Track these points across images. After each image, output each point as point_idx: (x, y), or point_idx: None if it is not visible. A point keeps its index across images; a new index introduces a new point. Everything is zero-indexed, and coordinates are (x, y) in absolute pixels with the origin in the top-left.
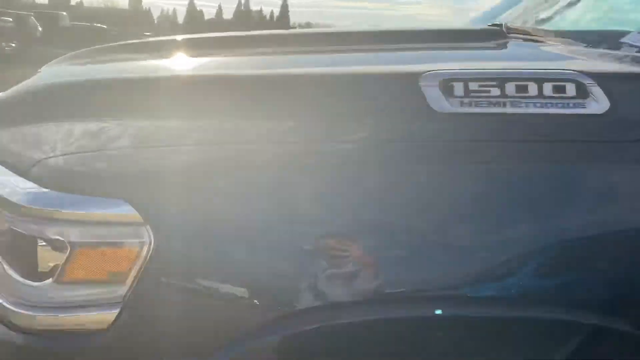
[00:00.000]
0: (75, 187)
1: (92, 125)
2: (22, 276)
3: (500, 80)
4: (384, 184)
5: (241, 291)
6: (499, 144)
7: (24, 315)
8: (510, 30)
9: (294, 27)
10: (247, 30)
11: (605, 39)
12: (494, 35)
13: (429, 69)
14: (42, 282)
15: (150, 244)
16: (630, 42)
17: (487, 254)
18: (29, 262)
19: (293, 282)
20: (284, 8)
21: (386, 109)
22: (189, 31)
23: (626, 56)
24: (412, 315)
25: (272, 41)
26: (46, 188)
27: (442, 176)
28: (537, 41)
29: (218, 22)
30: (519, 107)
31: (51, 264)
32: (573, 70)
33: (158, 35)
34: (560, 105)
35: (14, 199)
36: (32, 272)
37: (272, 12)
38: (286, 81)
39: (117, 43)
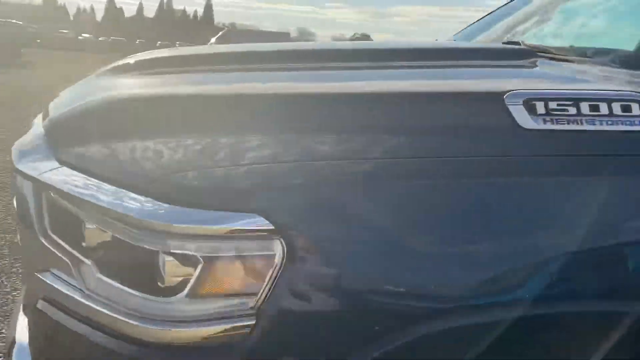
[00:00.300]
0: (204, 202)
1: (221, 141)
2: (144, 292)
3: (575, 100)
4: (499, 193)
5: (368, 298)
6: (578, 157)
7: (151, 330)
8: (534, 48)
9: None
10: (170, 28)
11: (619, 58)
12: (524, 54)
13: (510, 88)
14: (174, 297)
15: (283, 255)
16: None
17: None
18: (150, 278)
19: (420, 287)
20: (208, 8)
21: (477, 125)
22: (108, 29)
23: None
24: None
25: (331, 56)
26: (168, 204)
27: (538, 188)
28: (564, 60)
29: (139, 21)
30: (593, 124)
31: (178, 279)
32: (635, 92)
33: (76, 32)
34: (628, 122)
35: (142, 216)
36: (155, 287)
37: (195, 12)
38: (403, 98)
39: (154, 55)
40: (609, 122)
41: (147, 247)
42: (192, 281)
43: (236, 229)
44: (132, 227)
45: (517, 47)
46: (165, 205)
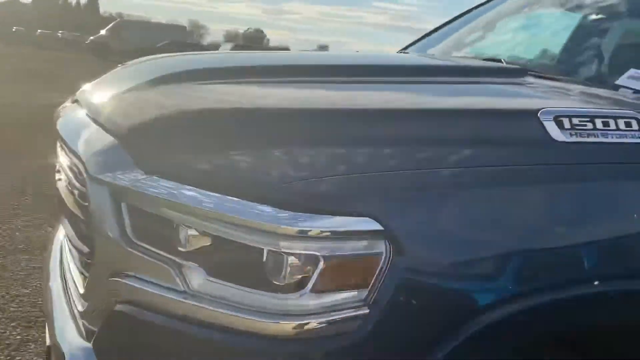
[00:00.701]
0: (320, 207)
1: (331, 151)
2: (263, 290)
3: (591, 117)
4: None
5: (462, 292)
6: (598, 165)
7: (272, 324)
8: (522, 66)
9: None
10: (50, 16)
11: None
12: (519, 72)
13: (540, 106)
14: (298, 292)
15: (389, 252)
16: (623, 85)
17: None
18: (266, 277)
19: (514, 281)
20: None
21: (523, 138)
22: None
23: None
24: None
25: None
26: (288, 210)
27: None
28: (550, 79)
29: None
30: (606, 137)
31: (298, 277)
32: (633, 110)
33: None
34: (630, 135)
35: (267, 221)
36: (271, 285)
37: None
38: (467, 117)
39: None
40: (617, 136)
41: (270, 249)
42: (314, 278)
43: (351, 231)
44: (253, 232)
45: (512, 66)
46: (287, 211)
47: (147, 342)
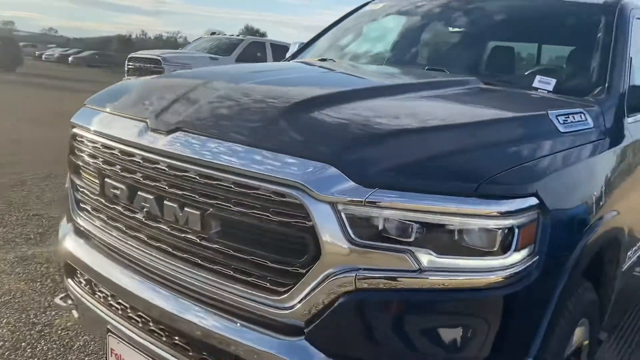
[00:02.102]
0: (510, 192)
1: (497, 151)
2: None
3: (566, 114)
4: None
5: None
6: (580, 145)
7: (494, 278)
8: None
9: None
10: None
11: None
12: (473, 82)
13: (548, 108)
14: (508, 253)
15: (540, 218)
16: (539, 87)
17: None
18: (482, 246)
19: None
20: None
21: (546, 130)
22: None
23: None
24: None
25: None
26: (489, 198)
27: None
28: (499, 86)
29: None
30: (576, 126)
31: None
32: (579, 108)
33: None
34: (582, 124)
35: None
36: (479, 253)
37: None
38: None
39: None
40: (579, 124)
41: (482, 227)
42: (514, 243)
43: (529, 206)
44: (466, 217)
45: (466, 77)
46: (490, 199)
47: (377, 318)
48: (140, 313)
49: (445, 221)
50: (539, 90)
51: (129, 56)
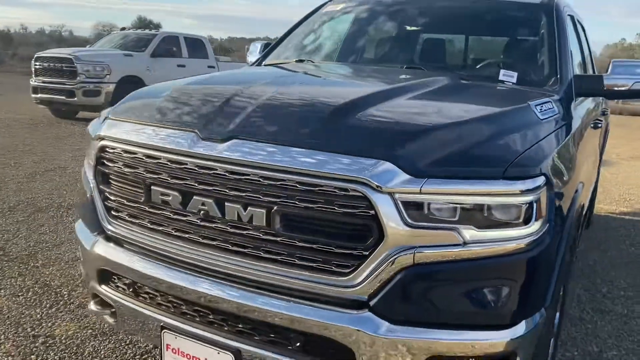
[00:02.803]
0: (528, 173)
1: (509, 139)
2: (508, 228)
3: (539, 103)
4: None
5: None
6: (556, 129)
7: (520, 245)
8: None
9: None
10: None
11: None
12: (452, 77)
13: (526, 100)
14: (528, 224)
15: (544, 191)
16: (504, 80)
17: None
18: (509, 219)
19: None
20: None
21: (530, 119)
22: None
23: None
24: None
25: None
26: (512, 180)
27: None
28: (468, 79)
29: None
30: (549, 114)
31: (525, 216)
32: (548, 97)
33: None
34: (552, 111)
35: (506, 187)
36: (512, 224)
37: None
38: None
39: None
40: (551, 112)
41: (508, 203)
42: (534, 214)
43: (541, 184)
44: (494, 196)
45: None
46: (513, 180)
47: (432, 286)
48: (197, 307)
49: (482, 201)
50: (505, 82)
51: (36, 56)
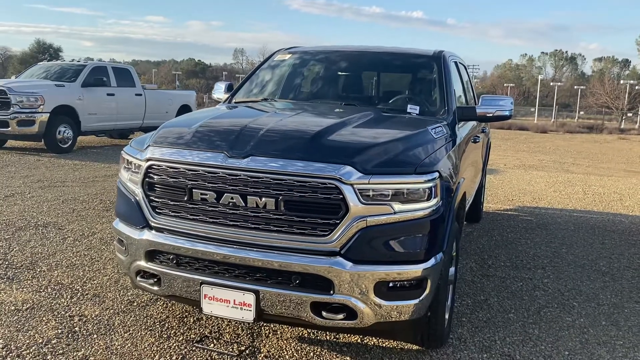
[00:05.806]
0: (429, 170)
1: (424, 149)
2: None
3: (435, 127)
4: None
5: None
6: (445, 143)
7: (427, 205)
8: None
9: None
10: None
11: (400, 108)
12: (376, 110)
13: (427, 125)
14: (434, 199)
15: (437, 181)
16: (411, 112)
17: None
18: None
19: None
20: None
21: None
22: None
23: (425, 117)
24: None
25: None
26: (422, 174)
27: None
28: (389, 113)
29: None
30: (440, 134)
31: (428, 195)
32: (440, 123)
33: None
34: (442, 132)
35: (413, 178)
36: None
37: None
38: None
39: None
40: (441, 132)
41: (421, 188)
42: (432, 194)
43: (437, 177)
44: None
45: (375, 109)
46: (420, 174)
47: (377, 238)
48: (226, 267)
49: (404, 187)
50: (411, 113)
51: None
